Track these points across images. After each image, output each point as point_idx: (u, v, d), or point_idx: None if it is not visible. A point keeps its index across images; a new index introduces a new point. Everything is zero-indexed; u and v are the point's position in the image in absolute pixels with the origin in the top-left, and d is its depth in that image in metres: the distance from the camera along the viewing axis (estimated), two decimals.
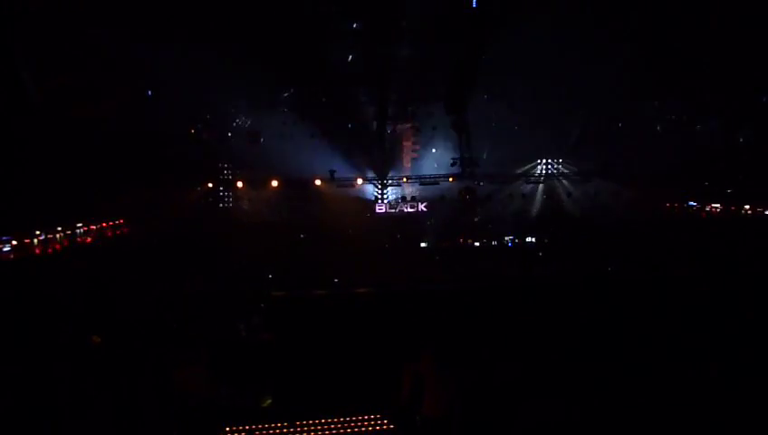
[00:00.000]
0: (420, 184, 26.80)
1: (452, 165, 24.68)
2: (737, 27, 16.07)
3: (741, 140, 22.09)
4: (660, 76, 20.21)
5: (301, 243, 23.91)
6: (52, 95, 14.73)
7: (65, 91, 15.21)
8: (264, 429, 6.98)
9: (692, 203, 25.47)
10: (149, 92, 18.84)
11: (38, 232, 16.37)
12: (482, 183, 26.12)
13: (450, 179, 25.75)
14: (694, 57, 18.17)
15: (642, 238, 21.78)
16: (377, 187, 26.88)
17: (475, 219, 27.17)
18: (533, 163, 27.14)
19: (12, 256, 14.82)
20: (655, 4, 16.70)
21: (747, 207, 23.10)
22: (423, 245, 26.20)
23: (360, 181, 25.82)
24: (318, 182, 24.88)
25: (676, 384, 6.42)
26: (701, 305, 7.68)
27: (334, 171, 24.47)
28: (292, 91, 22.46)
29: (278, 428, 7.00)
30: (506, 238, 26.27)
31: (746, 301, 7.67)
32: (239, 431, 7.00)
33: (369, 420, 7.09)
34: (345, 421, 7.09)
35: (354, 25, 18.23)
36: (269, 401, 7.59)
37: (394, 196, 27.35)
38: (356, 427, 7.03)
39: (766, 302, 7.46)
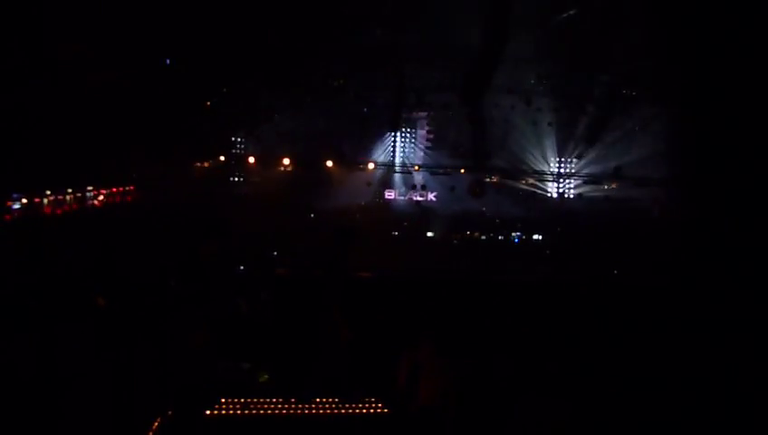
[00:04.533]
0: (431, 173, 26.71)
1: (458, 154, 24.67)
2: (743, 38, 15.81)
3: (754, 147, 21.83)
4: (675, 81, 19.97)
5: (308, 223, 23.94)
6: (70, 60, 14.71)
7: (83, 55, 15.19)
8: (259, 403, 7.04)
9: None
10: (168, 61, 18.78)
11: (48, 192, 16.46)
12: (493, 177, 26.02)
13: (462, 171, 25.65)
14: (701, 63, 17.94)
15: (650, 242, 21.63)
16: (388, 173, 26.86)
17: (484, 213, 27.07)
18: (546, 161, 26.97)
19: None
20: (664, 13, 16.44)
21: None
22: (430, 234, 26.16)
23: (371, 166, 25.77)
24: (329, 164, 24.85)
25: (674, 385, 6.42)
26: (703, 311, 7.65)
27: (346, 154, 24.44)
28: (309, 71, 22.34)
29: (273, 403, 7.06)
30: (513, 234, 26.18)
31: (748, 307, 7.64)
32: (234, 404, 7.06)
33: (365, 402, 7.14)
34: (340, 402, 7.14)
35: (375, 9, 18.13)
36: (266, 376, 7.64)
37: (404, 183, 27.31)
38: (350, 409, 7.08)
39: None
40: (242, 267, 10.78)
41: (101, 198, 19.34)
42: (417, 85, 22.96)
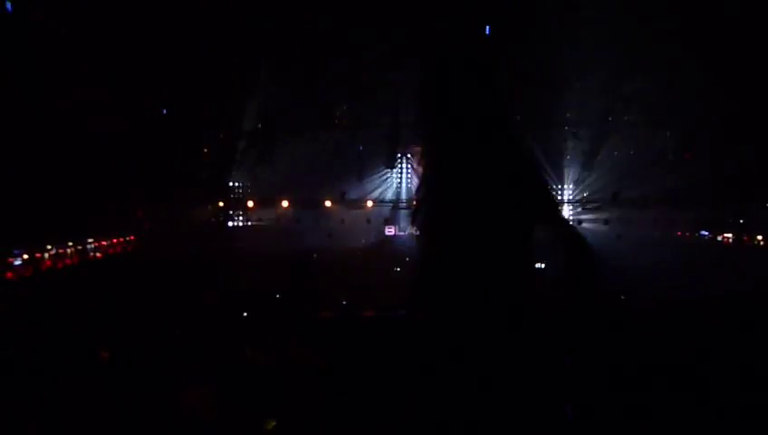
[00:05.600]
0: None
1: None
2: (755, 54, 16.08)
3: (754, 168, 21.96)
4: (673, 104, 20.25)
5: (310, 263, 23.86)
6: (68, 109, 14.92)
7: (81, 105, 15.42)
8: None
9: (704, 233, 25.18)
10: (164, 111, 19.08)
11: (49, 247, 16.49)
12: None
13: None
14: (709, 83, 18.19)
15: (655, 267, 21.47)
16: (386, 209, 26.92)
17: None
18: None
19: (27, 274, 14.96)
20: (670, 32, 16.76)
21: (760, 237, 22.85)
22: None
23: (370, 204, 25.82)
24: (328, 203, 24.91)
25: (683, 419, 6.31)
26: (714, 338, 7.56)
27: (344, 193, 24.52)
28: (305, 112, 22.61)
29: None
30: None
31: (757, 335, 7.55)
32: None
33: None
34: None
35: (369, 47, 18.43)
36: (273, 423, 7.53)
37: (404, 219, 27.30)
38: None
39: None
40: (245, 313, 10.72)
41: (102, 249, 19.37)
42: (412, 120, 23.12)
